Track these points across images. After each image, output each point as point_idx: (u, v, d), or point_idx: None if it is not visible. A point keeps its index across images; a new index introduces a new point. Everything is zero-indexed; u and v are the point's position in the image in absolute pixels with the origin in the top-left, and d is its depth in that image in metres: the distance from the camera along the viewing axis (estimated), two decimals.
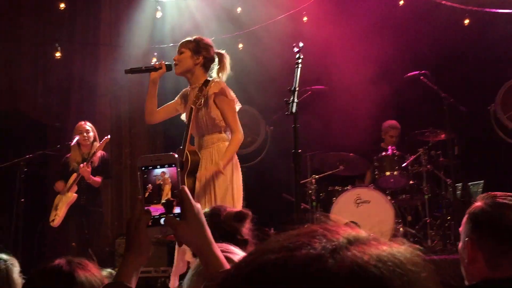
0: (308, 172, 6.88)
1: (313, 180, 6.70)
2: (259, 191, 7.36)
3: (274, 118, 7.21)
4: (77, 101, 7.83)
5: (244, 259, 0.63)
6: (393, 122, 7.09)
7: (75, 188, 6.03)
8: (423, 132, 6.67)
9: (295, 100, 3.98)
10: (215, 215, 2.06)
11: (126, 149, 7.81)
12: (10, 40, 7.35)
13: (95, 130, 6.29)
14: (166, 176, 1.36)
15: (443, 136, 6.53)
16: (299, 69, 4.17)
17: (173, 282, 4.10)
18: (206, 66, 4.49)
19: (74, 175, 6.07)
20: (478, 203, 1.72)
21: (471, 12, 6.78)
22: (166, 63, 4.43)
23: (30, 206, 6.21)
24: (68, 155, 6.29)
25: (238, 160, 4.51)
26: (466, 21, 6.87)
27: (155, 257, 7.27)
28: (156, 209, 1.35)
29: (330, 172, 6.83)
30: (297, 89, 4.05)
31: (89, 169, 5.94)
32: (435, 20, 7.22)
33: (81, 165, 5.95)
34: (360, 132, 7.41)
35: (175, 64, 4.42)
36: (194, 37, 4.55)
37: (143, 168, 1.36)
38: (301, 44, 4.32)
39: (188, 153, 4.31)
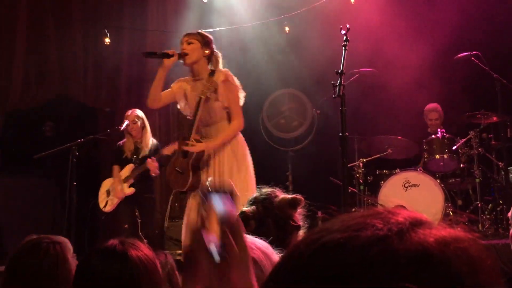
0: (355, 156, 6.83)
1: (361, 164, 6.65)
2: (307, 175, 7.36)
3: (321, 102, 7.17)
4: (126, 86, 7.95)
5: (309, 237, 0.64)
6: (432, 106, 6.94)
7: (131, 180, 6.06)
8: (474, 114, 6.53)
9: (342, 83, 3.96)
10: (268, 200, 2.06)
11: (174, 134, 7.89)
12: (60, 27, 7.50)
13: (143, 118, 6.30)
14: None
15: (495, 118, 6.38)
16: (345, 51, 4.14)
17: None
18: (210, 60, 4.56)
19: (131, 166, 6.10)
20: None
21: None
22: (178, 51, 4.45)
23: (81, 189, 6.36)
24: (122, 142, 6.34)
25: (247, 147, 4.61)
26: None
27: None
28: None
29: (378, 155, 6.76)
30: (343, 71, 4.03)
31: (156, 164, 5.88)
32: None
33: (149, 159, 5.88)
34: (409, 115, 7.31)
35: (185, 54, 4.43)
36: (196, 31, 4.67)
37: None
38: (348, 26, 4.28)
39: (194, 141, 4.36)
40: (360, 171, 6.66)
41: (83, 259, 1.75)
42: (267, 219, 1.99)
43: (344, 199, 4.03)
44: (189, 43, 4.44)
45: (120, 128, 6.27)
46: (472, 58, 6.36)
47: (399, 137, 6.75)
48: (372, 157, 6.77)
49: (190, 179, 4.28)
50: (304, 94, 7.65)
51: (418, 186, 6.30)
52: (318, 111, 7.53)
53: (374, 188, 6.62)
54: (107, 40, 7.34)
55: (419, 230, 0.60)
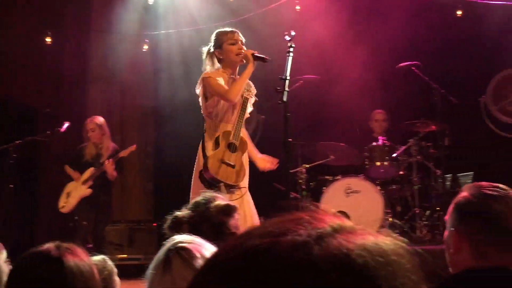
0: (299, 162, 6.88)
1: (304, 170, 6.70)
2: (250, 180, 7.35)
3: (265, 107, 7.19)
4: (68, 87, 7.79)
5: (229, 244, 0.63)
6: (379, 110, 7.15)
7: (90, 182, 6.32)
8: (414, 123, 6.69)
9: (286, 89, 3.99)
10: (203, 206, 2.05)
11: (117, 136, 7.78)
12: (1, 26, 7.29)
13: (103, 124, 6.46)
14: None
15: (433, 127, 6.55)
16: (290, 58, 4.17)
17: None
18: None
19: (92, 169, 6.36)
20: (464, 193, 1.73)
21: (464, 3, 6.78)
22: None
23: (19, 192, 6.19)
24: (83, 145, 6.52)
25: None
26: (459, 12, 6.87)
27: (144, 244, 7.29)
28: None
29: (321, 161, 6.83)
30: (288, 78, 4.06)
31: (113, 166, 6.23)
32: (428, 10, 7.22)
33: (106, 161, 6.23)
34: (351, 122, 7.43)
35: (241, 52, 4.41)
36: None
37: None
38: (292, 33, 4.31)
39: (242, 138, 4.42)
40: (303, 176, 6.71)
41: (16, 264, 1.69)
42: (202, 224, 1.98)
43: (286, 204, 4.04)
44: (242, 43, 4.47)
45: (60, 130, 6.17)
46: (413, 68, 6.53)
47: (342, 144, 6.84)
48: (315, 163, 6.83)
49: (244, 172, 4.39)
50: None
51: (359, 192, 6.40)
52: (263, 117, 7.56)
53: (316, 194, 6.68)
54: (48, 40, 7.17)
55: (339, 236, 0.60)
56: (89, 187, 6.34)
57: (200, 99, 4.44)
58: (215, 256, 0.63)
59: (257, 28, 7.45)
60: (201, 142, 4.45)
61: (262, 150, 7.49)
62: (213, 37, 4.51)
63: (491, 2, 6.64)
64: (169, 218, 2.06)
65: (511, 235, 1.61)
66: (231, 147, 4.32)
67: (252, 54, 4.39)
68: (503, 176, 6.37)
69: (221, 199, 2.08)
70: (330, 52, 7.28)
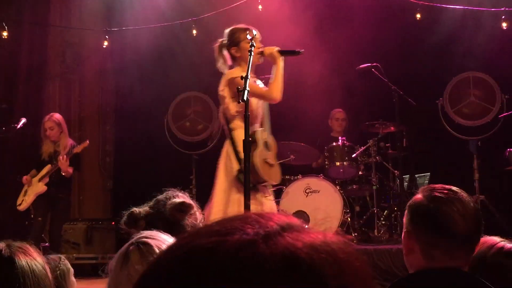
0: None
1: None
2: (211, 179, 7.33)
3: None
4: (25, 83, 7.63)
5: (175, 243, 0.62)
6: (339, 109, 7.23)
7: (46, 179, 6.26)
8: (373, 123, 6.77)
9: (247, 88, 3.99)
10: (162, 202, 2.03)
11: (76, 133, 7.66)
12: None
13: (61, 122, 6.36)
14: None
15: (392, 128, 6.65)
16: (251, 57, 4.17)
17: None
18: None
19: (49, 167, 6.29)
20: (418, 196, 1.76)
21: (423, 7, 6.89)
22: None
23: None
24: (41, 143, 6.46)
25: None
26: (418, 16, 6.98)
27: (102, 243, 7.20)
28: None
29: (281, 161, 6.84)
30: (249, 77, 4.06)
31: (67, 162, 6.17)
32: (388, 13, 7.32)
33: (60, 157, 6.16)
34: (311, 123, 7.47)
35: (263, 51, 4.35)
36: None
37: None
38: (254, 32, 4.31)
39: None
40: None
41: None
42: (157, 221, 1.96)
43: (246, 204, 4.04)
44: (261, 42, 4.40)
45: (16, 126, 6.05)
46: (373, 69, 6.60)
47: (302, 144, 6.88)
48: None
49: (280, 170, 4.31)
50: (210, 98, 7.64)
51: (318, 192, 6.45)
52: None
53: (276, 193, 6.69)
54: (4, 34, 7.01)
55: (287, 234, 0.60)
56: (47, 185, 6.27)
57: (225, 100, 4.28)
58: (160, 255, 0.62)
59: (219, 27, 7.43)
60: (229, 143, 4.30)
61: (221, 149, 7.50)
62: (227, 34, 4.42)
63: (449, 6, 6.77)
64: (125, 214, 2.03)
65: (458, 238, 1.64)
66: (266, 146, 4.26)
67: (278, 51, 4.33)
68: (458, 176, 6.52)
69: (181, 197, 2.06)
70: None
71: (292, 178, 6.63)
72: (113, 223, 7.23)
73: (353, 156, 6.65)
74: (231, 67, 4.39)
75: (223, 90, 4.30)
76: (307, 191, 6.45)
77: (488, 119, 6.73)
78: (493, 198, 6.53)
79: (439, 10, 6.91)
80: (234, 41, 4.36)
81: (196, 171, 7.46)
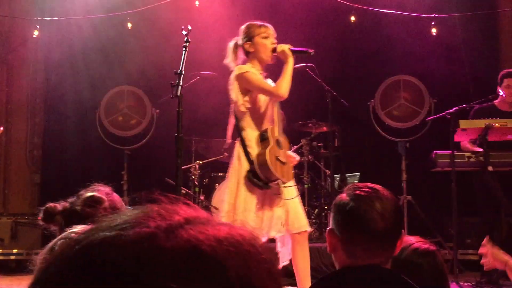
0: (192, 158, 6.85)
1: (197, 166, 6.69)
2: (143, 175, 7.26)
3: (161, 101, 7.11)
4: None
5: (74, 239, 0.60)
6: None
7: None
8: (306, 123, 6.85)
9: (180, 83, 3.96)
10: (78, 196, 1.99)
11: (2, 125, 7.40)
12: None
13: None
14: None
15: (324, 128, 6.75)
16: (186, 52, 4.14)
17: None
18: None
19: None
20: (342, 194, 1.79)
21: (358, 10, 7.02)
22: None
23: None
24: None
25: None
26: (353, 18, 7.11)
27: (28, 238, 6.98)
28: None
29: (215, 158, 6.84)
30: (183, 72, 4.03)
31: None
32: (323, 14, 7.42)
33: None
34: None
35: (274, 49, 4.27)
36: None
37: None
38: (189, 27, 4.28)
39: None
40: (196, 173, 6.69)
41: None
42: (72, 216, 1.92)
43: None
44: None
45: None
46: (307, 69, 6.67)
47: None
48: (209, 160, 6.83)
49: (292, 168, 4.20)
50: (144, 93, 7.54)
51: None
52: (158, 111, 7.46)
53: (209, 191, 6.69)
54: None
55: (190, 227, 0.60)
56: None
57: (234, 96, 4.20)
58: (59, 250, 0.60)
59: (155, 21, 7.35)
60: (240, 141, 4.24)
61: (156, 144, 7.43)
62: (243, 29, 4.36)
63: (382, 10, 6.92)
64: (41, 209, 1.98)
65: (376, 235, 1.67)
66: (278, 144, 4.16)
67: (290, 49, 4.28)
68: (387, 177, 6.68)
69: (95, 191, 2.01)
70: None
71: (225, 176, 6.62)
72: (39, 218, 7.02)
73: None
74: (244, 63, 4.30)
75: (232, 86, 4.23)
76: None
77: (417, 122, 6.93)
78: (419, 198, 6.73)
79: (373, 13, 7.06)
80: (248, 36, 4.30)
81: (128, 167, 7.34)
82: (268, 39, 4.26)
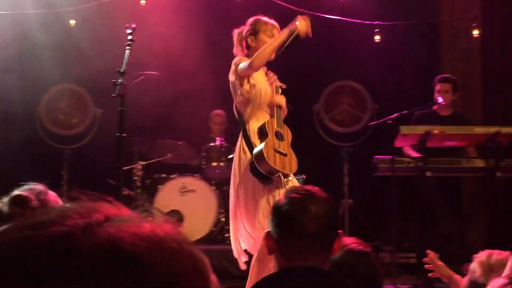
0: (135, 158, 6.76)
1: (140, 166, 6.59)
2: (84, 175, 7.11)
3: (103, 100, 6.98)
4: None
5: None
6: (219, 111, 7.26)
7: None
8: None
9: (123, 82, 3.91)
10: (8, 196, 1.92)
11: None
12: None
13: None
14: None
15: None
16: (129, 51, 4.09)
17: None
18: None
19: None
20: (281, 197, 1.79)
21: (302, 14, 7.06)
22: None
23: None
24: None
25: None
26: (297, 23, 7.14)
27: None
28: None
29: (158, 159, 6.77)
30: (126, 71, 3.98)
31: None
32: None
33: None
34: (192, 121, 7.45)
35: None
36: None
37: None
38: (134, 26, 4.23)
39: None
40: (138, 174, 6.60)
41: None
42: (1, 217, 1.86)
43: (118, 201, 3.94)
44: None
45: None
46: None
47: (180, 142, 6.83)
48: (152, 161, 6.76)
49: (295, 160, 4.09)
50: (86, 91, 7.39)
51: (194, 191, 6.45)
52: (101, 110, 7.33)
53: (151, 192, 6.61)
54: None
55: (110, 225, 0.58)
56: None
57: (235, 88, 4.12)
58: None
59: (98, 19, 7.22)
60: (242, 135, 4.11)
61: (98, 144, 7.28)
62: (249, 22, 4.27)
63: (326, 16, 6.99)
64: None
65: (308, 237, 1.68)
66: (278, 136, 4.06)
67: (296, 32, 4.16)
68: (330, 181, 6.76)
69: (26, 190, 1.95)
70: (176, 51, 7.24)
71: (167, 177, 6.57)
72: None
73: (230, 157, 6.69)
74: (247, 56, 4.20)
75: (232, 76, 4.14)
76: (183, 190, 6.43)
77: (359, 127, 7.04)
78: (360, 202, 6.84)
79: (318, 19, 7.13)
80: (253, 30, 4.22)
81: (68, 167, 7.18)
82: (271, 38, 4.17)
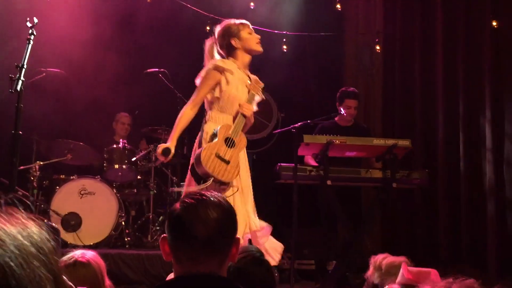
0: (33, 158, 6.49)
1: (37, 167, 6.33)
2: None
3: (0, 97, 6.66)
4: None
5: None
6: (124, 113, 7.16)
7: None
8: (156, 129, 6.78)
9: (22, 78, 3.74)
10: None
11: None
12: None
13: None
14: None
15: None
16: (30, 45, 3.93)
17: None
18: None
19: None
20: (178, 202, 1.77)
21: (213, 20, 7.08)
22: None
23: None
24: None
25: None
26: (208, 28, 7.15)
27: None
28: None
29: (57, 159, 6.53)
30: (25, 66, 3.81)
31: None
32: (180, 21, 7.41)
33: None
34: (95, 122, 7.26)
35: (259, 43, 4.30)
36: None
37: None
38: (35, 20, 4.07)
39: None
40: (36, 174, 6.34)
41: None
42: None
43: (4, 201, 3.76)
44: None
45: None
46: (160, 74, 6.63)
47: (81, 143, 6.63)
48: (51, 161, 6.51)
49: (238, 170, 3.98)
50: None
51: (94, 194, 6.27)
52: None
53: (49, 193, 6.37)
54: None
55: None
56: None
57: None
58: None
59: None
60: (199, 135, 4.10)
61: None
62: (224, 28, 4.30)
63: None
64: None
65: (197, 242, 1.66)
66: (228, 142, 3.98)
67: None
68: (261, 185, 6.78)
69: None
70: (80, 49, 7.05)
71: (66, 178, 6.36)
72: None
73: (133, 159, 6.59)
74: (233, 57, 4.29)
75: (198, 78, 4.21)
76: (82, 192, 6.24)
77: (264, 134, 7.12)
78: (262, 209, 6.89)
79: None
80: (233, 33, 4.26)
81: None
82: (252, 34, 4.33)
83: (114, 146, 6.63)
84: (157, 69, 6.65)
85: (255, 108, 4.28)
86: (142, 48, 7.55)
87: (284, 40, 7.17)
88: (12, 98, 4.09)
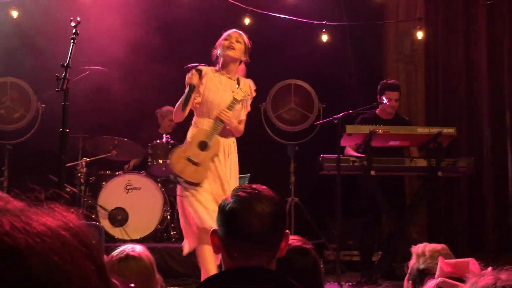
0: (79, 155, 6.63)
1: (84, 163, 6.47)
2: (26, 171, 6.92)
3: (47, 95, 6.81)
4: None
5: None
6: (169, 107, 7.20)
7: None
8: None
9: (67, 76, 3.82)
10: None
11: None
12: None
13: None
14: None
15: None
16: (74, 44, 4.00)
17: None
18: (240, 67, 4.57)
19: None
20: (229, 195, 1.77)
21: (252, 13, 7.09)
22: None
23: None
24: None
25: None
26: (247, 21, 7.16)
27: None
28: None
29: (103, 156, 6.65)
30: (70, 65, 3.89)
31: None
32: (215, 15, 7.42)
33: None
34: (138, 118, 7.36)
35: (232, 48, 4.40)
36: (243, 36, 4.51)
37: None
38: (78, 19, 4.14)
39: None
40: (82, 170, 6.48)
41: None
42: None
43: (58, 196, 3.86)
44: (238, 42, 4.39)
45: None
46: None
47: (125, 139, 6.73)
48: (96, 157, 6.64)
49: (207, 173, 4.19)
50: (29, 85, 7.18)
51: (139, 189, 6.37)
52: (43, 105, 7.14)
53: (95, 189, 6.49)
54: None
55: None
56: None
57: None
58: None
59: (42, 11, 7.05)
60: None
61: (41, 140, 7.10)
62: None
63: (276, 14, 7.03)
64: None
65: (251, 237, 1.66)
66: (202, 146, 4.23)
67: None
68: (276, 179, 6.80)
69: None
70: (120, 46, 7.13)
71: (112, 174, 6.47)
72: None
73: None
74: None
75: None
76: (128, 187, 6.34)
77: (306, 126, 7.09)
78: (306, 200, 6.89)
79: (267, 17, 7.16)
80: (216, 45, 4.52)
81: (9, 162, 6.97)
82: (227, 40, 4.46)
83: (158, 141, 6.70)
84: (197, 64, 6.67)
85: (243, 113, 4.53)
86: (180, 42, 7.57)
87: (324, 30, 7.12)
88: (58, 97, 4.18)
